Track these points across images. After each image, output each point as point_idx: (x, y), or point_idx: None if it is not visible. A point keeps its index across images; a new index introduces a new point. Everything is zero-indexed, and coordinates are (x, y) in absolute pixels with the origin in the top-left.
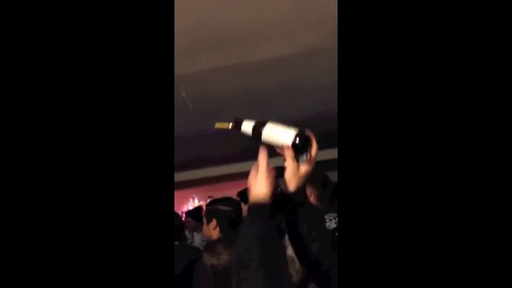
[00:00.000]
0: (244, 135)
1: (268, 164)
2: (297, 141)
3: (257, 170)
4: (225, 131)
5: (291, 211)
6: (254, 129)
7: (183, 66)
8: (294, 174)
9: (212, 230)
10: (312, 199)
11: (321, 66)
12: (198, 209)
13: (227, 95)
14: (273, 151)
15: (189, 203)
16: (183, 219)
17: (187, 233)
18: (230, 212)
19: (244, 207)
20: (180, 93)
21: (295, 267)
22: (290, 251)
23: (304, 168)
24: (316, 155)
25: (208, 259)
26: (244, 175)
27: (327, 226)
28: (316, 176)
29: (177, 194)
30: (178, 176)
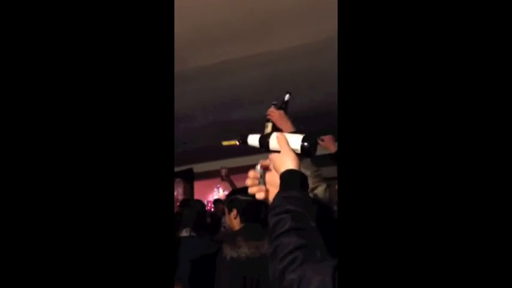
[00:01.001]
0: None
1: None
2: (306, 144)
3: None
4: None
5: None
6: (261, 140)
7: (196, 59)
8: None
9: (233, 220)
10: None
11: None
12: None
13: (243, 86)
14: None
15: (213, 192)
16: (212, 208)
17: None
18: (250, 201)
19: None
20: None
21: None
22: None
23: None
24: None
25: (228, 252)
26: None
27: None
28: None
29: (202, 184)
30: (202, 167)
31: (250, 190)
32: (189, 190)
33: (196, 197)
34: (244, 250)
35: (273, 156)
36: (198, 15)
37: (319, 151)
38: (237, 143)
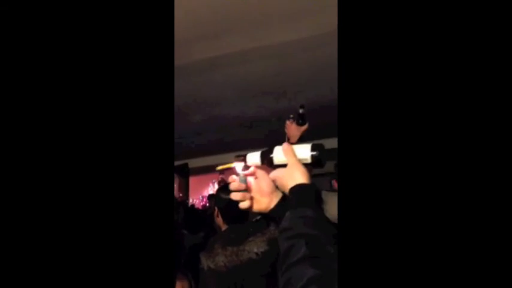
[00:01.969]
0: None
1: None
2: (316, 153)
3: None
4: (264, 104)
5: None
6: (263, 156)
7: (193, 53)
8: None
9: (217, 219)
10: None
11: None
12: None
13: (242, 80)
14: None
15: (209, 187)
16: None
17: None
18: (229, 201)
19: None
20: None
21: None
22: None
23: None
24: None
25: (204, 261)
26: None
27: None
28: None
29: (197, 179)
30: (197, 162)
31: (233, 196)
32: (184, 185)
33: (191, 192)
34: (221, 259)
35: (277, 171)
36: (198, 8)
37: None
38: (233, 166)
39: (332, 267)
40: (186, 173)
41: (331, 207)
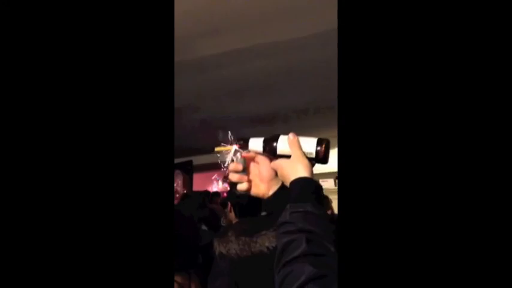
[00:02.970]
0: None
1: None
2: (321, 149)
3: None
4: (266, 100)
5: None
6: (265, 144)
7: (195, 50)
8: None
9: (229, 214)
10: None
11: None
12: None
13: (240, 79)
14: None
15: (213, 185)
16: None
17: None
18: (244, 195)
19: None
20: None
21: None
22: None
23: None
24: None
25: (217, 246)
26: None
27: None
28: None
29: (201, 176)
30: (202, 159)
31: (231, 177)
32: (189, 182)
33: (195, 189)
34: (234, 246)
35: (280, 162)
36: (197, 6)
37: None
38: (231, 149)
39: (332, 266)
40: (190, 170)
41: None
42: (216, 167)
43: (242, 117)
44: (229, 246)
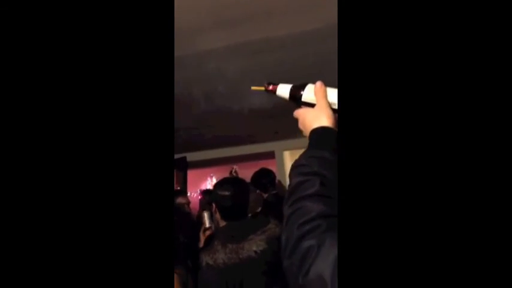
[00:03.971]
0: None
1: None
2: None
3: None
4: (261, 94)
5: None
6: (292, 90)
7: (197, 44)
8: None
9: (215, 215)
10: None
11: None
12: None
13: (242, 73)
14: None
15: (206, 182)
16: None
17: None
18: (226, 197)
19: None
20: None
21: None
22: None
23: None
24: None
25: (203, 257)
26: (267, 155)
27: None
28: None
29: (195, 173)
30: (196, 155)
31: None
32: (182, 179)
33: (189, 186)
34: (221, 256)
35: (303, 110)
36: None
37: None
38: (264, 89)
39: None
40: (184, 166)
41: None
42: (210, 163)
43: (242, 113)
44: (216, 257)
